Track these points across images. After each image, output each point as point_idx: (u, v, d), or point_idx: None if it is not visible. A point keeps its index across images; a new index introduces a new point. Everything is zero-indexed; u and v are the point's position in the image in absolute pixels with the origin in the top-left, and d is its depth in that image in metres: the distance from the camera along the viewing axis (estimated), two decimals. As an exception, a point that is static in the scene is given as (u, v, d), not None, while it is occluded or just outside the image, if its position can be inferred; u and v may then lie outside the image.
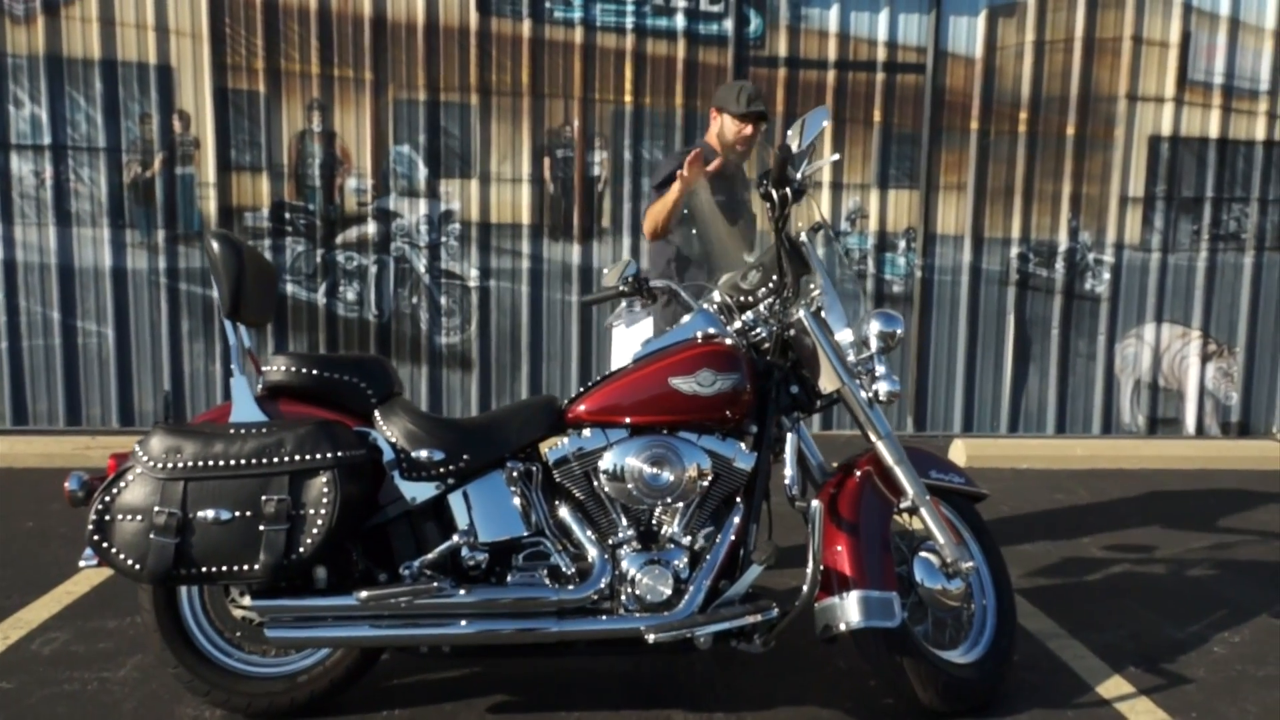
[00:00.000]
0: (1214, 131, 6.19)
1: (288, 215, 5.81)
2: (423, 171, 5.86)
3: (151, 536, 2.21)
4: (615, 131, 5.94)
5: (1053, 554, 3.98)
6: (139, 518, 2.23)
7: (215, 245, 2.41)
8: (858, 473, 2.68)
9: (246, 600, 2.38)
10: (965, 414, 6.21)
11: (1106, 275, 6.24)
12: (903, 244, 6.12)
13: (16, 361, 5.71)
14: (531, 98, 5.86)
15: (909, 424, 6.17)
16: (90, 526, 2.24)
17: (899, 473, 2.62)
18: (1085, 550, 4.04)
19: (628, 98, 5.90)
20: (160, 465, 2.24)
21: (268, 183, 5.77)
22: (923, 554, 2.68)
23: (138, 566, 2.22)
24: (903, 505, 2.65)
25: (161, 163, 5.70)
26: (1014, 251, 6.19)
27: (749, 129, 3.58)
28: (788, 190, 2.56)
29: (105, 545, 2.23)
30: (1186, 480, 5.25)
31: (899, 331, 2.63)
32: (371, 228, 5.87)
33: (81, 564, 2.34)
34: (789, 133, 2.61)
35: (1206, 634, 3.17)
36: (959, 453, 5.52)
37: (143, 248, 5.74)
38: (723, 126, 3.62)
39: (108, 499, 2.25)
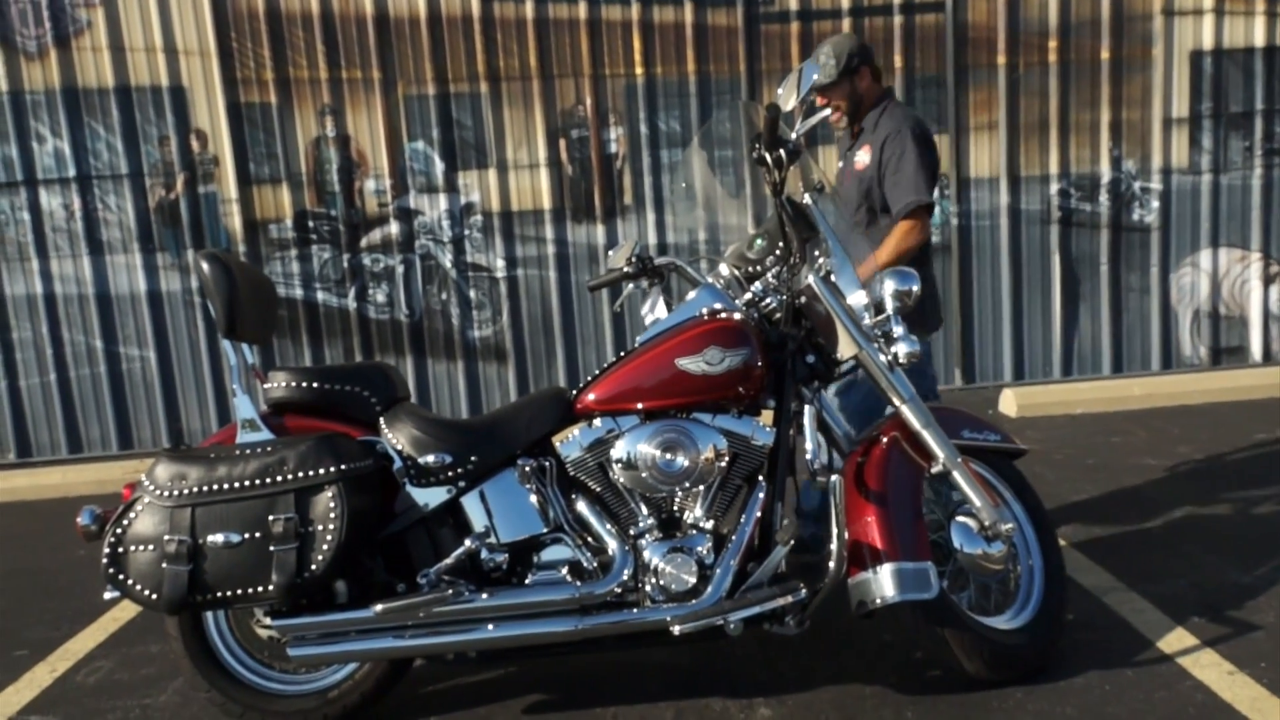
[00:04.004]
0: (1259, 39, 5.85)
1: (311, 223, 5.83)
2: (439, 166, 5.82)
3: (164, 565, 2.21)
4: (629, 106, 5.82)
5: (1108, 502, 3.81)
6: (151, 547, 2.22)
7: (205, 265, 2.38)
8: (884, 440, 2.56)
9: (268, 620, 2.36)
10: (1015, 362, 6.00)
11: (1155, 203, 5.96)
12: (935, 192, 5.90)
13: (66, 392, 5.83)
14: (541, 80, 5.77)
15: (957, 377, 5.98)
16: (105, 560, 2.24)
17: (927, 436, 2.50)
18: (1143, 495, 3.86)
19: (638, 70, 5.77)
20: (167, 493, 2.23)
21: (288, 193, 5.79)
22: (959, 519, 2.56)
23: (154, 596, 2.22)
24: (934, 470, 2.53)
25: (184, 183, 5.75)
26: (1054, 188, 5.94)
27: (820, 103, 3.12)
28: (782, 151, 2.45)
29: (121, 577, 2.23)
30: (1253, 412, 5.01)
31: (915, 289, 2.50)
32: (394, 228, 5.86)
33: (106, 596, 2.35)
34: (779, 91, 2.49)
35: (1276, 577, 3.00)
36: (1009, 403, 5.34)
37: (174, 269, 5.80)
38: None
39: (119, 531, 2.24)
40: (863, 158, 3.17)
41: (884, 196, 3.13)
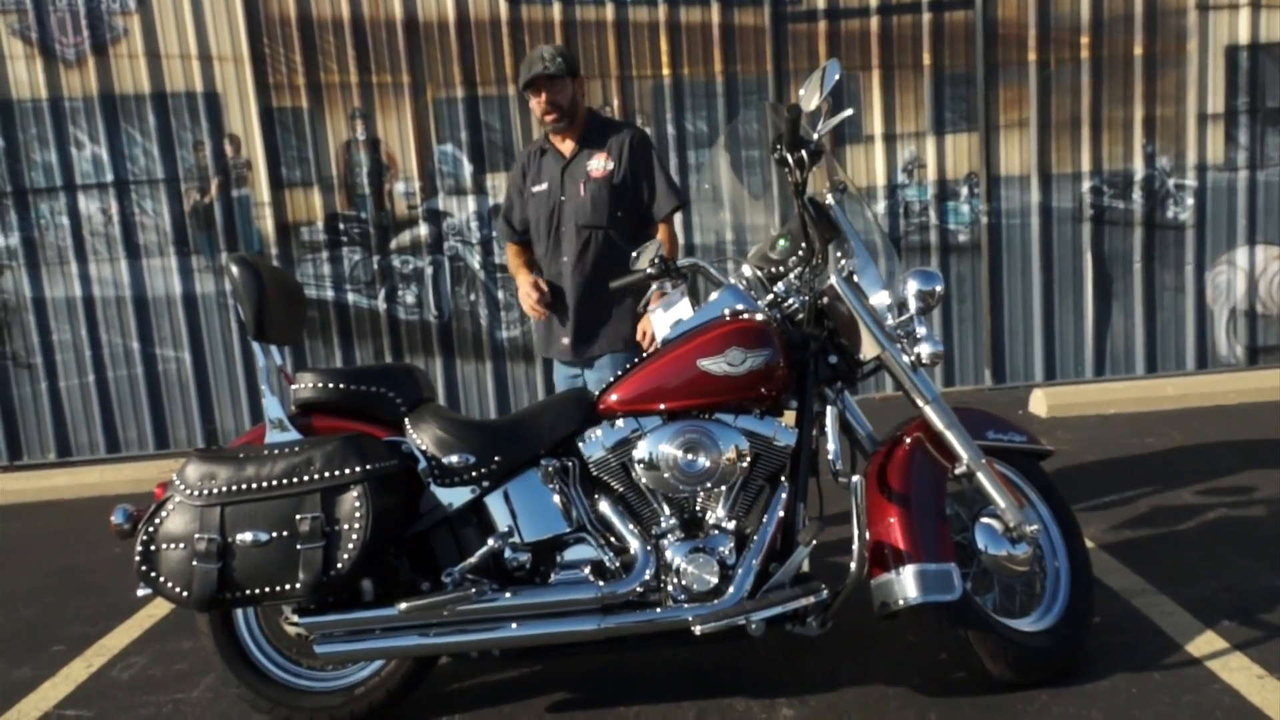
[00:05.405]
0: (1297, 34, 5.75)
1: (341, 226, 5.90)
2: (468, 168, 5.86)
3: (195, 563, 2.25)
4: (656, 106, 5.83)
5: (1141, 503, 3.76)
6: (181, 545, 2.26)
7: (234, 269, 2.42)
8: (907, 441, 2.56)
9: (295, 618, 2.40)
10: (1046, 362, 5.94)
11: (1189, 200, 5.87)
12: (965, 190, 5.87)
13: (104, 392, 5.95)
14: (568, 82, 5.78)
15: (987, 377, 5.93)
16: (137, 558, 2.28)
17: (950, 437, 2.49)
18: (1176, 497, 3.81)
19: (665, 70, 5.78)
20: (197, 492, 2.27)
21: (319, 196, 5.86)
22: (984, 520, 2.55)
23: (184, 593, 2.26)
24: (957, 471, 2.52)
25: (218, 187, 5.84)
26: (1086, 186, 5.87)
27: (533, 103, 3.32)
28: (804, 152, 2.45)
29: (153, 575, 2.28)
30: (1292, 411, 4.92)
31: (938, 289, 2.50)
32: (424, 229, 5.91)
33: (139, 593, 2.39)
34: (801, 91, 2.48)
35: (1311, 580, 2.95)
36: (1040, 403, 5.28)
37: (209, 272, 5.90)
38: None
39: (151, 529, 2.29)
40: (601, 164, 3.33)
41: (636, 200, 3.34)
